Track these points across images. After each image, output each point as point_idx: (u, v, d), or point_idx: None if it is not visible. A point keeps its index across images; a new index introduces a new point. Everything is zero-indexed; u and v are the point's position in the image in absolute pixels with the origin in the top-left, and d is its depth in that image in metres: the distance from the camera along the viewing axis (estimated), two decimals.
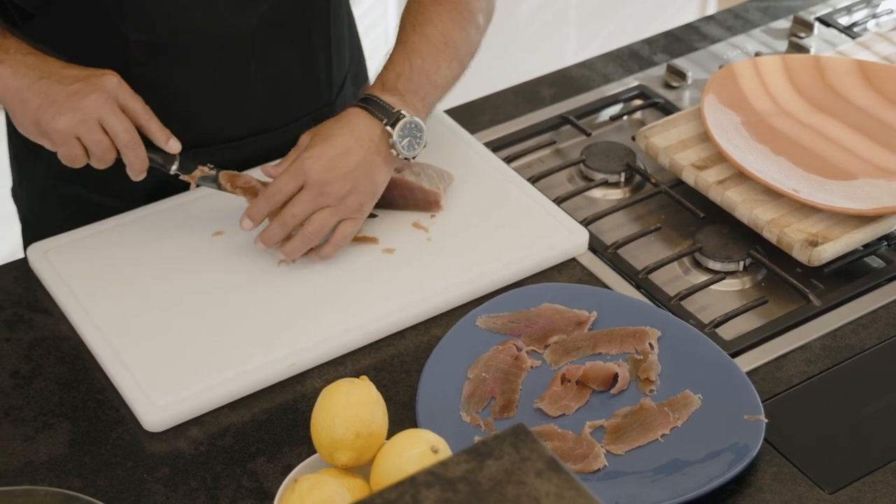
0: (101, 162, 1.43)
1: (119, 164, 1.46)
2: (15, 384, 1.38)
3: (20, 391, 1.38)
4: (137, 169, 1.45)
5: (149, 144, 1.46)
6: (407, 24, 1.56)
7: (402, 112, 1.47)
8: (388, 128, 1.46)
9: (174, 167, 1.48)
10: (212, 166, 1.50)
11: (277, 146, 1.61)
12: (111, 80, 1.42)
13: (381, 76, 1.52)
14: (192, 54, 1.53)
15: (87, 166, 1.57)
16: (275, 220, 1.46)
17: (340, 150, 1.45)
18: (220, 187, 1.50)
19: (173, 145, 1.46)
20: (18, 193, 1.75)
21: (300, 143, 1.49)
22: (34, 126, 1.42)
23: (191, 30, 1.51)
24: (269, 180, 1.48)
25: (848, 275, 1.51)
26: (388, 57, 1.54)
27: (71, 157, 1.43)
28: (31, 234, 1.70)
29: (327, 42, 1.64)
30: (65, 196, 1.65)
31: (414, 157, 1.49)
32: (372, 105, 1.48)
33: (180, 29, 1.50)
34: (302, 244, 1.46)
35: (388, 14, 3.55)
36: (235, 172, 1.50)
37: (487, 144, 1.69)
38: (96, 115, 1.40)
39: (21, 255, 1.56)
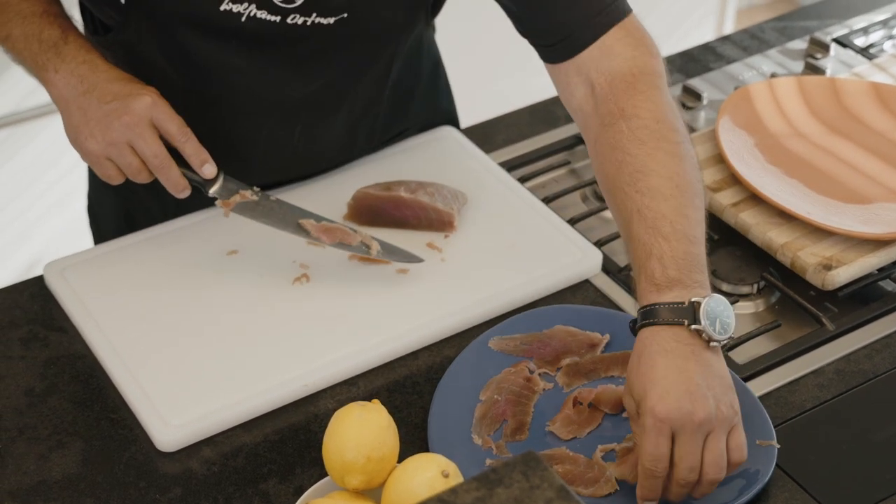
0: (137, 179, 1.45)
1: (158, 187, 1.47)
2: (29, 402, 1.39)
3: (34, 409, 1.38)
4: (174, 188, 1.45)
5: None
6: (623, 186, 1.31)
7: (694, 300, 1.23)
8: (695, 326, 1.23)
9: (213, 189, 1.46)
10: (257, 190, 1.48)
11: (308, 193, 1.62)
12: (143, 102, 1.42)
13: (642, 273, 1.27)
14: (238, 113, 1.54)
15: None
16: (675, 484, 1.23)
17: (674, 376, 1.21)
18: (265, 220, 1.47)
19: (207, 170, 1.45)
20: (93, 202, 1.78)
21: (630, 408, 1.26)
22: (74, 141, 1.44)
23: (240, 91, 1.52)
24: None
25: (862, 299, 1.51)
26: (630, 232, 1.30)
27: (105, 176, 1.45)
28: (95, 222, 1.73)
29: (377, 108, 1.63)
30: (121, 200, 1.68)
31: (731, 335, 1.25)
32: (658, 316, 1.24)
33: (229, 88, 1.52)
34: (710, 488, 1.23)
35: None
36: (331, 224, 1.48)
37: (502, 164, 1.70)
38: (125, 139, 1.41)
39: (37, 271, 1.57)
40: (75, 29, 1.48)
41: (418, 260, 1.50)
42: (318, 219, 1.49)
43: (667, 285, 1.25)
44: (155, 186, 1.48)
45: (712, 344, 1.23)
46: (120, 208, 1.71)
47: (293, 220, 1.48)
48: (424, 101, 1.73)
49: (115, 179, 1.44)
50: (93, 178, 1.76)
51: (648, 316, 1.24)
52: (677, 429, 1.20)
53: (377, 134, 1.67)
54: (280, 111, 1.55)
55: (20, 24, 1.46)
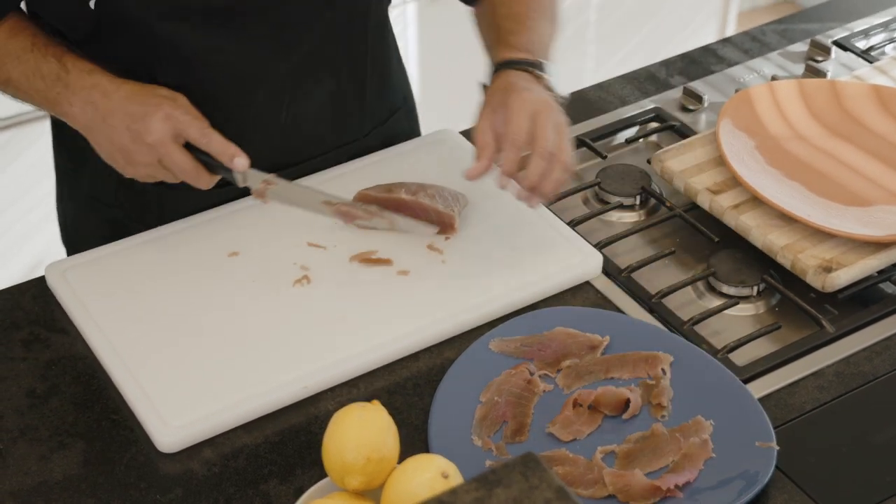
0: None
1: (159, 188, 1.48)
2: (31, 403, 1.39)
3: (35, 410, 1.39)
4: (204, 186, 1.49)
5: None
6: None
7: (539, 59, 1.53)
8: (540, 73, 1.51)
9: (243, 181, 1.50)
10: (274, 176, 1.51)
11: (302, 176, 1.62)
12: (159, 119, 1.43)
13: (506, 41, 1.55)
14: (227, 94, 1.55)
15: (124, 193, 1.60)
16: (536, 156, 1.44)
17: (525, 84, 1.48)
18: (303, 205, 1.53)
19: (238, 164, 1.47)
20: (60, 205, 1.77)
21: (484, 120, 1.48)
22: (112, 164, 1.48)
23: (226, 72, 1.53)
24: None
25: (862, 301, 1.51)
26: (498, 25, 1.58)
27: (154, 181, 1.49)
28: (73, 246, 1.72)
29: (361, 80, 1.65)
30: (105, 217, 1.67)
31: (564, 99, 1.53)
32: (516, 64, 1.52)
33: (216, 71, 1.52)
34: (561, 173, 1.45)
35: (407, 31, 3.56)
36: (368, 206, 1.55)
37: None
38: (155, 159, 1.45)
39: (41, 270, 1.57)
40: (68, 51, 1.49)
41: (434, 229, 1.55)
42: (337, 199, 1.53)
43: (520, 50, 1.53)
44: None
45: (551, 93, 1.50)
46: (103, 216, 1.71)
47: (316, 200, 1.54)
48: (400, 76, 1.77)
49: (172, 180, 1.48)
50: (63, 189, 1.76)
51: (506, 65, 1.52)
52: (536, 110, 1.45)
53: (367, 114, 1.68)
54: (265, 88, 1.56)
55: (16, 65, 1.48)
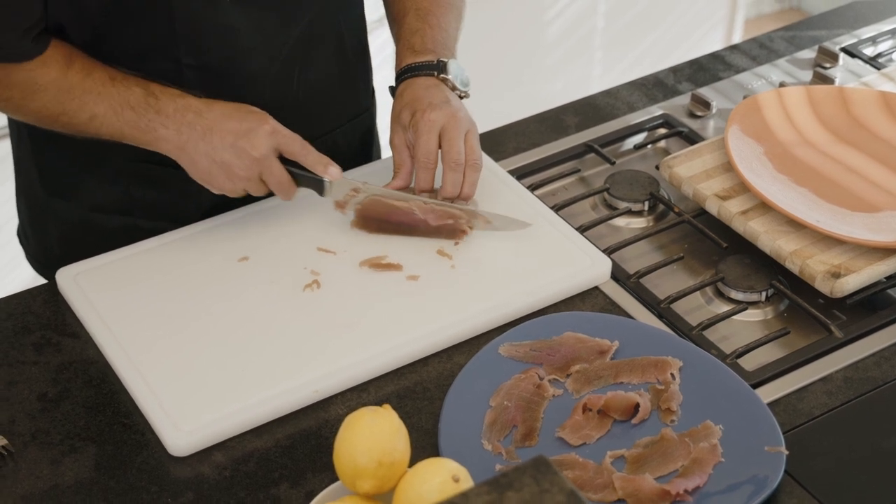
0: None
1: (173, 185, 1.49)
2: (42, 407, 1.40)
3: (47, 414, 1.39)
4: (289, 199, 1.55)
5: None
6: None
7: (443, 60, 1.60)
8: (442, 76, 1.59)
9: (328, 192, 1.54)
10: (364, 183, 1.56)
11: (323, 152, 1.63)
12: (265, 133, 1.49)
13: (407, 42, 1.63)
14: (242, 72, 1.56)
15: (135, 193, 1.61)
16: (447, 169, 1.55)
17: (432, 94, 1.57)
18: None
19: (333, 172, 1.53)
20: (31, 238, 1.76)
21: (397, 139, 1.58)
22: (205, 183, 1.52)
23: (239, 50, 1.54)
24: None
25: (870, 306, 1.51)
26: (400, 23, 1.65)
27: (234, 195, 1.54)
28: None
29: (364, 49, 1.71)
30: (107, 227, 1.66)
31: (468, 90, 1.62)
32: (416, 70, 1.60)
33: (231, 50, 1.54)
34: (474, 174, 1.56)
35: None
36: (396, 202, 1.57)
37: (512, 172, 1.70)
38: (256, 174, 1.50)
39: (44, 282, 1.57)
40: (150, 80, 1.50)
41: (525, 225, 1.59)
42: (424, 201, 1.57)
43: (423, 52, 1.61)
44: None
45: (456, 91, 1.60)
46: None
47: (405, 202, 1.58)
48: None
49: (259, 193, 1.54)
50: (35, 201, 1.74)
51: (408, 71, 1.60)
52: (444, 126, 1.54)
53: (371, 80, 1.75)
54: (278, 60, 1.58)
55: (98, 101, 1.48)
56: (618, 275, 1.56)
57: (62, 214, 1.68)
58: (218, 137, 1.48)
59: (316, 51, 1.62)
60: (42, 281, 1.75)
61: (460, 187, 1.55)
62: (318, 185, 1.54)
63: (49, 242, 1.73)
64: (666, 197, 1.67)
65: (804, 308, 1.50)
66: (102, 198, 1.64)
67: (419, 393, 1.42)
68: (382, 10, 1.73)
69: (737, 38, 3.79)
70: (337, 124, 1.71)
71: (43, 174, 1.66)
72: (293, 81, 1.61)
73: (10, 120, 1.65)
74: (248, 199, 1.62)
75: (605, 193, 1.68)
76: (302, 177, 1.53)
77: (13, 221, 1.82)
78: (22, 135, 1.66)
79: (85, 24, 1.49)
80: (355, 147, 1.76)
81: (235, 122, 1.49)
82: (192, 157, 1.50)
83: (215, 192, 1.53)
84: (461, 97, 1.61)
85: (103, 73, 1.49)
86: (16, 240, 1.83)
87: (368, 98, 1.77)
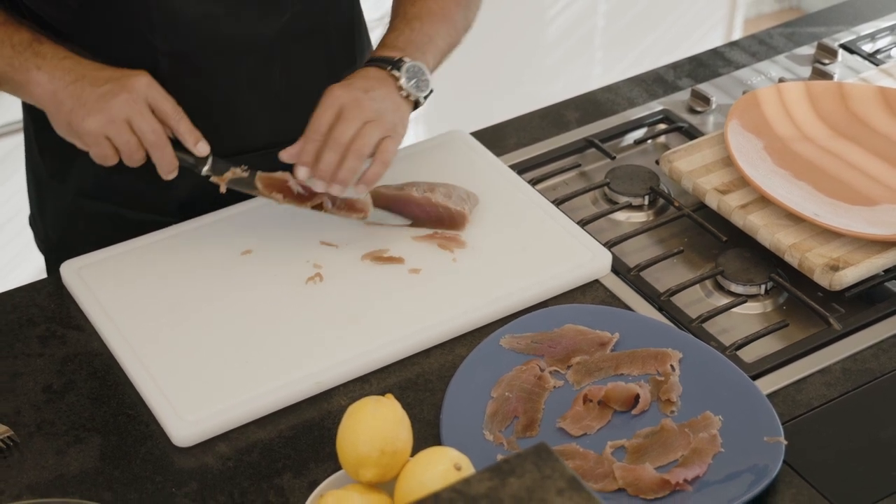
0: (131, 161, 1.47)
1: (150, 174, 1.48)
2: (47, 399, 1.41)
3: (52, 406, 1.40)
4: (166, 168, 1.48)
5: (182, 145, 1.49)
6: (405, 0, 1.63)
7: (403, 59, 1.54)
8: (394, 72, 1.52)
9: (205, 168, 1.51)
10: (245, 168, 1.52)
11: None
12: (141, 81, 1.45)
13: (382, 39, 1.59)
14: (218, 63, 1.56)
15: (117, 181, 1.61)
16: (326, 147, 1.48)
17: (362, 82, 1.51)
18: (252, 189, 1.53)
19: (201, 148, 1.49)
20: (39, 220, 1.78)
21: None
22: (67, 127, 1.46)
23: (217, 38, 1.54)
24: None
25: (869, 299, 1.52)
26: (390, 28, 1.61)
27: (102, 157, 1.46)
28: (58, 255, 1.72)
29: (351, 48, 1.68)
30: (93, 213, 1.68)
31: (425, 99, 1.54)
32: (375, 60, 1.55)
33: (207, 37, 1.53)
34: (355, 160, 1.48)
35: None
36: (270, 174, 1.53)
37: (513, 167, 1.71)
38: (124, 115, 1.44)
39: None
40: (48, 35, 1.49)
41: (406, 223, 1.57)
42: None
43: (391, 49, 1.56)
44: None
45: (402, 92, 1.52)
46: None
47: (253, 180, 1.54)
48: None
49: (111, 160, 1.47)
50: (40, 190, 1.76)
51: (369, 62, 1.55)
52: (344, 107, 1.48)
53: None
54: (257, 52, 1.57)
55: None
56: (618, 268, 1.57)
57: (58, 197, 1.69)
58: (89, 81, 1.45)
59: (299, 49, 1.60)
60: (44, 272, 1.76)
61: (333, 169, 1.48)
62: (196, 159, 1.50)
63: (47, 226, 1.75)
64: (666, 191, 1.68)
65: (803, 301, 1.51)
66: (89, 183, 1.64)
67: (421, 384, 1.43)
68: (383, 9, 1.72)
69: (736, 38, 3.80)
70: None
71: (43, 155, 1.68)
72: (273, 79, 1.60)
73: (23, 102, 1.66)
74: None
75: (606, 188, 1.69)
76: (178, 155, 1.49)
77: (19, 215, 1.84)
78: (30, 115, 1.68)
79: (62, 5, 1.50)
80: None
81: (111, 71, 1.46)
82: (59, 97, 1.45)
83: (81, 146, 1.47)
84: (411, 101, 1.54)
85: None
86: (19, 234, 1.84)
87: None
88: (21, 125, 1.75)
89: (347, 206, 1.55)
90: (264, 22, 1.56)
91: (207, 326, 1.47)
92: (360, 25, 1.72)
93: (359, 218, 1.56)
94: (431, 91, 1.55)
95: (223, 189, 1.52)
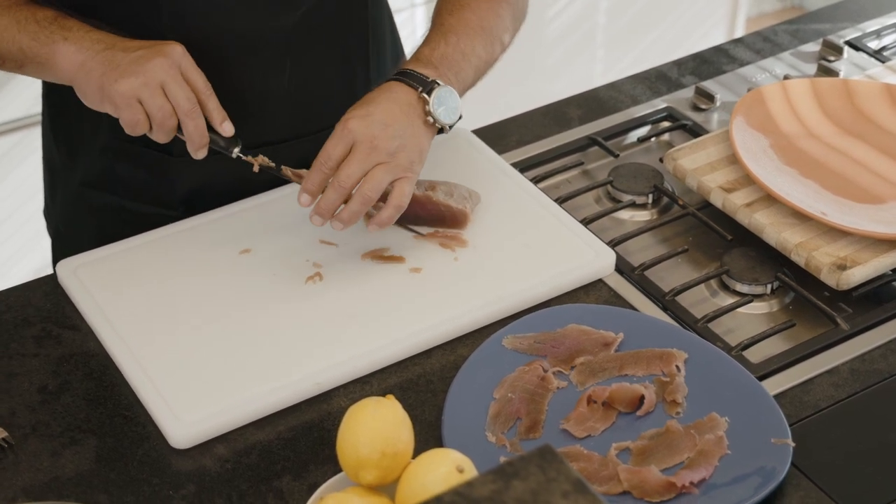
0: (161, 129, 1.43)
1: (155, 166, 1.46)
2: (42, 399, 1.39)
3: (47, 407, 1.38)
4: (197, 143, 1.44)
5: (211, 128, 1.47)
6: (443, 9, 1.58)
7: (437, 81, 1.48)
8: (424, 95, 1.48)
9: (236, 150, 1.48)
10: (270, 161, 1.50)
11: (313, 151, 1.62)
12: (176, 49, 1.42)
13: (416, 52, 1.54)
14: (227, 56, 1.53)
15: (122, 172, 1.59)
16: (330, 185, 1.44)
17: (383, 111, 1.45)
18: (280, 172, 1.50)
19: (227, 128, 1.46)
20: (51, 208, 1.76)
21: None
22: (98, 92, 1.42)
23: (227, 30, 1.52)
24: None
25: (876, 299, 1.50)
26: (423, 37, 1.57)
27: (133, 122, 1.42)
28: (63, 246, 1.71)
29: (365, 47, 1.65)
30: (96, 204, 1.66)
31: (451, 127, 1.50)
32: (407, 76, 1.49)
33: (217, 29, 1.51)
34: (360, 205, 1.44)
35: (416, 34, 3.57)
36: (297, 171, 1.50)
37: (515, 165, 1.70)
38: (159, 79, 1.40)
39: (49, 272, 1.57)
40: (69, 12, 1.47)
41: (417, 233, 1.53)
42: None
43: (424, 64, 1.51)
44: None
45: (429, 119, 1.48)
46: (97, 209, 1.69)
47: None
48: (397, 49, 1.76)
49: (142, 125, 1.42)
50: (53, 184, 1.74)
51: (401, 74, 1.50)
52: (357, 143, 1.43)
53: (373, 85, 1.66)
54: (268, 48, 1.54)
55: (5, 13, 1.45)
56: (622, 267, 1.55)
57: (66, 186, 1.68)
58: (121, 48, 1.42)
59: (312, 46, 1.58)
60: (44, 271, 1.75)
61: (333, 208, 1.44)
62: (227, 140, 1.47)
63: (56, 215, 1.73)
64: (670, 189, 1.67)
65: (810, 300, 1.49)
66: (95, 173, 1.63)
67: (422, 385, 1.41)
68: None
69: (740, 32, 3.79)
70: (327, 123, 1.62)
71: (58, 142, 1.67)
72: (284, 74, 1.58)
73: (43, 82, 1.64)
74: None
75: (609, 186, 1.68)
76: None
77: (19, 211, 1.83)
78: (47, 101, 1.66)
79: None
80: None
81: (141, 42, 1.43)
82: (89, 66, 1.41)
83: (112, 111, 1.42)
84: (436, 129, 1.50)
85: None
86: (19, 232, 1.83)
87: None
88: (20, 124, 1.75)
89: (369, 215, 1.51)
90: (277, 17, 1.53)
91: (205, 326, 1.45)
92: (379, 22, 1.68)
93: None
94: (460, 117, 1.51)
95: (256, 168, 1.48)
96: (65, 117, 1.63)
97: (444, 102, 1.48)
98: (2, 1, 1.46)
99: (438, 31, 1.56)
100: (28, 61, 1.47)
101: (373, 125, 1.44)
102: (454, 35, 1.54)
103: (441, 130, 1.51)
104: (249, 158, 1.48)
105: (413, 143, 1.46)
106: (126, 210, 1.63)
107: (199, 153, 1.45)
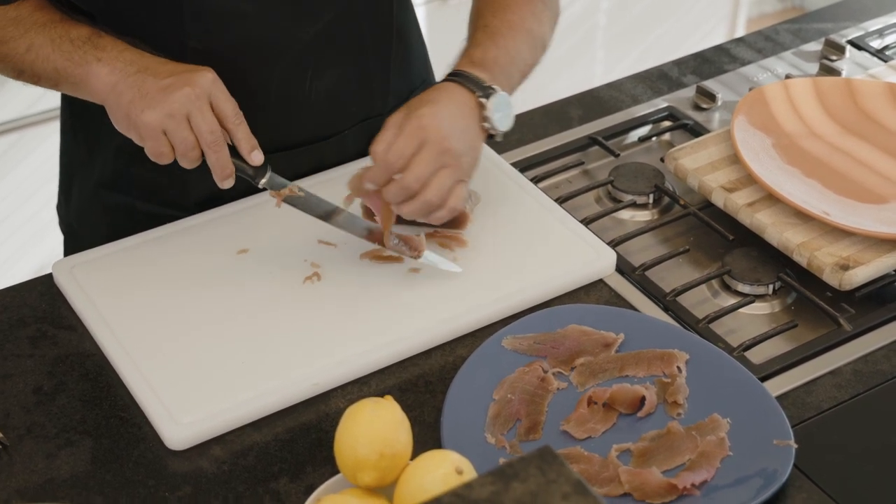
0: (186, 159, 1.41)
1: (170, 169, 1.45)
2: (38, 400, 1.38)
3: (43, 408, 1.37)
4: (220, 174, 1.42)
5: (237, 153, 1.44)
6: (485, 9, 1.57)
7: (494, 87, 1.47)
8: (483, 100, 1.46)
9: (263, 181, 1.45)
10: (301, 188, 1.47)
11: (330, 154, 1.61)
12: (206, 77, 1.40)
13: (467, 53, 1.52)
14: (249, 63, 1.52)
15: (136, 174, 1.58)
16: (396, 184, 1.41)
17: (450, 112, 1.44)
18: (307, 210, 1.47)
19: (255, 157, 1.44)
20: (64, 205, 1.75)
21: (393, 119, 1.45)
22: (126, 120, 1.41)
23: (250, 38, 1.51)
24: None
25: (879, 299, 1.49)
26: (469, 38, 1.55)
27: (157, 153, 1.41)
28: (75, 243, 1.70)
29: (386, 55, 1.62)
30: (109, 204, 1.65)
31: (504, 133, 1.49)
32: (464, 79, 1.48)
33: (240, 37, 1.50)
34: (423, 209, 1.42)
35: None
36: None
37: (515, 164, 1.68)
38: (185, 110, 1.39)
39: (47, 271, 1.56)
40: (105, 29, 1.46)
41: (456, 269, 1.50)
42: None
43: (479, 67, 1.49)
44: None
45: (485, 125, 1.47)
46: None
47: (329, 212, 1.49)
48: (422, 54, 1.74)
49: (166, 157, 1.41)
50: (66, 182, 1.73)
51: (456, 75, 1.48)
52: (428, 142, 1.40)
53: (391, 92, 1.65)
54: (289, 56, 1.53)
55: (41, 32, 1.45)
56: (623, 267, 1.54)
57: (82, 185, 1.67)
58: (152, 73, 1.41)
59: (333, 56, 1.56)
60: (42, 270, 1.74)
61: (397, 202, 1.42)
62: (255, 169, 1.45)
63: (70, 212, 1.73)
64: (671, 189, 1.65)
65: (812, 301, 1.48)
66: (109, 173, 1.62)
67: (421, 386, 1.39)
68: None
69: (741, 32, 3.78)
70: (347, 125, 1.64)
71: (77, 140, 1.66)
72: (304, 83, 1.56)
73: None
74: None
75: (610, 186, 1.66)
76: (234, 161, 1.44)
77: (19, 210, 1.83)
78: (66, 99, 1.65)
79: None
80: (362, 147, 1.69)
81: (175, 65, 1.42)
82: (120, 88, 1.40)
83: (137, 140, 1.41)
84: (488, 135, 1.49)
85: (55, 13, 1.46)
86: (19, 230, 1.82)
87: (388, 104, 1.66)
88: (19, 124, 1.74)
89: (403, 240, 1.49)
90: (298, 26, 1.52)
91: (202, 326, 1.44)
92: (404, 24, 1.66)
93: (413, 256, 1.49)
94: (513, 123, 1.50)
95: (279, 204, 1.47)
96: (84, 117, 1.62)
97: (500, 109, 1.47)
98: (37, 19, 1.46)
99: (485, 33, 1.54)
100: (63, 80, 1.47)
101: (443, 125, 1.42)
102: (502, 38, 1.53)
103: (491, 136, 1.49)
104: (273, 194, 1.46)
105: (472, 147, 1.46)
106: (139, 211, 1.62)
107: (224, 183, 1.43)
